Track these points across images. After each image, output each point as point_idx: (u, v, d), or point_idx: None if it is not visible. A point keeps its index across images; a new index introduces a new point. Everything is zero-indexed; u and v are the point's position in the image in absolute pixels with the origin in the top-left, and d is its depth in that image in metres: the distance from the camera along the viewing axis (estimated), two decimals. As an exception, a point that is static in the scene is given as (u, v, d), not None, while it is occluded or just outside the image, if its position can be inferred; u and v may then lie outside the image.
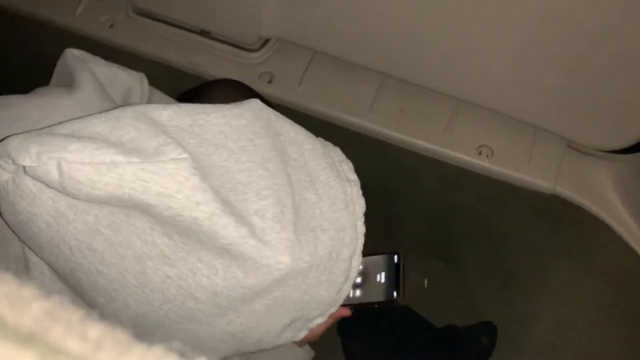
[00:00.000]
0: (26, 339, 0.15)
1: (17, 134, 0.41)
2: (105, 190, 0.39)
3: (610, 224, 0.85)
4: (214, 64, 0.94)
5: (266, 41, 0.94)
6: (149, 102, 0.66)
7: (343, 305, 0.64)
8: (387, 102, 0.91)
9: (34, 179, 0.40)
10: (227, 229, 0.42)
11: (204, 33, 0.95)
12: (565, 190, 0.86)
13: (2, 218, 0.45)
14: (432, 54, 0.81)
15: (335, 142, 0.96)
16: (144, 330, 0.46)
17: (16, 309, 0.15)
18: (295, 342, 0.68)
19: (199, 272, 0.43)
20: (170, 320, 0.45)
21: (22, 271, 0.48)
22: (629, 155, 0.84)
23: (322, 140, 0.56)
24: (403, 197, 1.02)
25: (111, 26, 0.97)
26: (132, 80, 0.64)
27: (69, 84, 0.57)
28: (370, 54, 0.86)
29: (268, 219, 0.44)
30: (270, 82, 0.92)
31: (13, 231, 0.45)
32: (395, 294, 0.63)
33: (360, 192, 0.55)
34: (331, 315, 0.65)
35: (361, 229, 0.54)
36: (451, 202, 0.98)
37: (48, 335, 0.15)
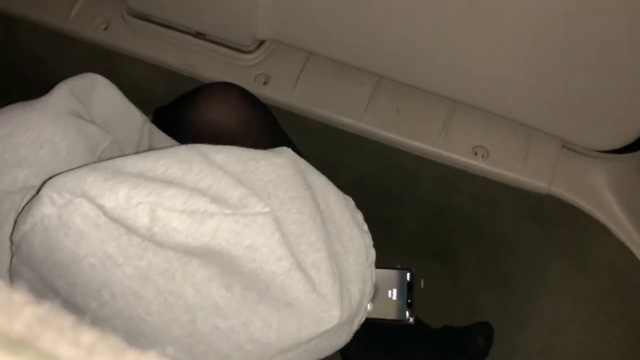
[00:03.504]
0: (17, 344, 0.15)
1: (87, 169, 0.39)
2: (201, 240, 0.38)
3: (606, 224, 0.85)
4: (209, 65, 0.94)
5: (261, 43, 0.94)
6: (150, 142, 0.65)
7: None
8: (382, 104, 0.91)
9: (113, 221, 0.38)
10: (299, 284, 0.42)
11: (199, 35, 0.95)
12: (560, 190, 0.86)
13: (13, 252, 0.42)
14: (427, 56, 0.81)
15: (330, 144, 0.97)
16: None
17: (7, 315, 0.15)
18: None
19: (252, 326, 0.43)
20: None
21: None
22: (623, 155, 0.84)
23: (339, 190, 0.56)
24: (399, 198, 1.02)
25: (106, 28, 0.97)
26: (140, 120, 0.63)
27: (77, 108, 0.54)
28: (365, 56, 0.86)
29: (322, 272, 0.45)
30: (265, 83, 0.92)
31: (27, 267, 0.42)
32: (407, 314, 0.64)
33: (372, 242, 0.55)
34: None
35: (374, 277, 0.54)
36: (447, 202, 0.98)
37: (39, 341, 0.15)
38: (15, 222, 0.42)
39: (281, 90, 0.92)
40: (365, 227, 0.55)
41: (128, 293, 0.40)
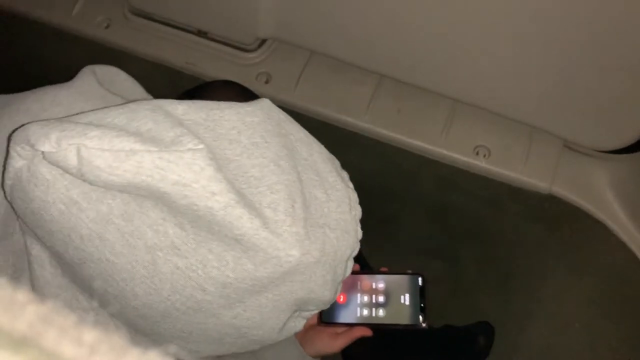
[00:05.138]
0: (19, 343, 0.15)
1: (35, 121, 0.41)
2: (124, 177, 0.39)
3: (607, 224, 0.85)
4: (211, 64, 0.94)
5: (263, 41, 0.94)
6: None
7: (365, 325, 0.65)
8: (383, 103, 0.90)
9: (52, 164, 0.40)
10: (241, 220, 0.42)
11: (201, 33, 0.95)
12: (562, 190, 0.86)
13: (12, 207, 0.45)
14: (428, 55, 0.81)
15: (331, 143, 0.96)
16: (150, 321, 0.46)
17: (9, 313, 0.15)
18: (308, 353, 0.68)
19: (209, 264, 0.43)
20: (178, 311, 0.45)
21: (22, 266, 0.48)
22: (625, 155, 0.84)
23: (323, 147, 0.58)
24: (400, 197, 1.02)
25: (107, 26, 0.97)
26: None
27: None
28: (367, 55, 0.86)
29: (280, 212, 0.45)
30: (267, 82, 0.92)
31: (22, 220, 0.45)
32: (421, 318, 0.64)
33: (357, 199, 0.55)
34: (351, 336, 0.66)
35: (360, 234, 0.54)
36: (448, 202, 0.98)
37: (42, 339, 0.15)
38: None
39: (283, 89, 0.92)
40: (351, 185, 0.56)
41: (94, 236, 0.42)
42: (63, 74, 0.63)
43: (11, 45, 1.10)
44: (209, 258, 0.43)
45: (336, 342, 0.66)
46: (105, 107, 0.46)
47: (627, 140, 0.81)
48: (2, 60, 1.12)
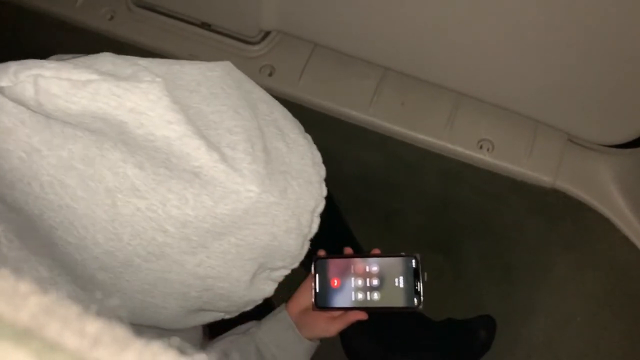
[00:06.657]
0: (22, 335, 0.15)
1: None
2: (80, 103, 0.39)
3: (611, 219, 0.85)
4: (214, 56, 0.93)
5: (267, 34, 0.94)
6: None
7: (360, 309, 0.65)
8: (387, 96, 0.90)
9: (11, 100, 0.40)
10: (199, 151, 0.42)
11: (205, 25, 0.94)
12: (565, 185, 0.86)
13: None
14: (433, 47, 0.80)
15: (335, 136, 0.96)
16: (112, 272, 0.46)
17: (12, 305, 0.15)
18: (305, 336, 0.68)
19: (168, 203, 0.43)
20: (139, 258, 0.45)
21: None
22: (629, 149, 0.84)
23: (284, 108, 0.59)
24: (403, 190, 1.02)
25: (111, 18, 0.97)
26: None
27: None
28: (371, 47, 0.85)
29: (239, 151, 0.45)
30: (270, 75, 0.92)
31: None
32: (415, 301, 0.64)
33: (321, 160, 0.56)
34: (347, 320, 0.66)
35: (324, 191, 0.54)
36: (451, 195, 0.98)
37: (45, 331, 0.15)
38: None
39: (286, 82, 0.91)
40: (315, 147, 0.57)
41: (54, 182, 0.42)
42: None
43: (15, 37, 1.10)
44: (169, 197, 0.43)
45: (332, 327, 0.67)
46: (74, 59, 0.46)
47: (631, 134, 0.81)
48: (6, 52, 1.12)
